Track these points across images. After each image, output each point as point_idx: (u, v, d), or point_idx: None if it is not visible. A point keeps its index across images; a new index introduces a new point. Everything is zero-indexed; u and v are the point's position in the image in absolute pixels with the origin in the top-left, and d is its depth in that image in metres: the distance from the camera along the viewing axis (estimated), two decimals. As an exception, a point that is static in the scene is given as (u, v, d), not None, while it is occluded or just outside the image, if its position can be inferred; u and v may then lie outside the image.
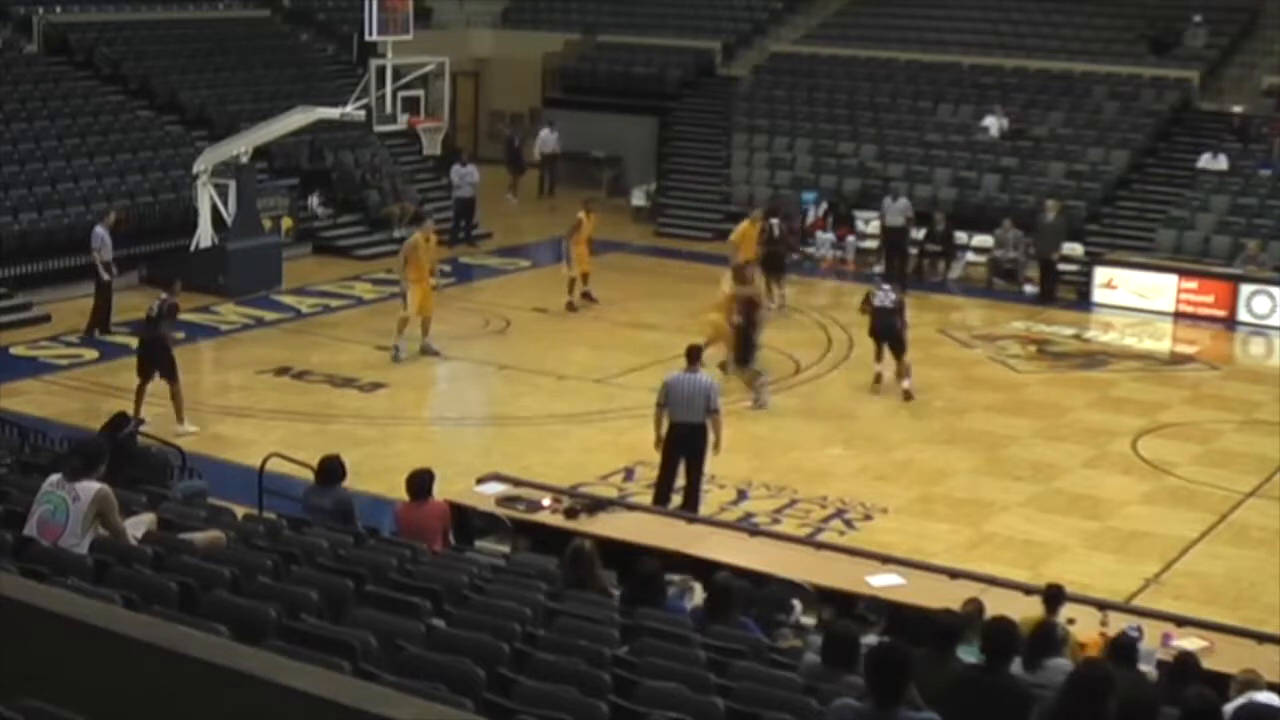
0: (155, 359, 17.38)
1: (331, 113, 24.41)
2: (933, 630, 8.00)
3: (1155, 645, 10.36)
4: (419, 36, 25.45)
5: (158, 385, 17.40)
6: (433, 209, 29.55)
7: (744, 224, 23.80)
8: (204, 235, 24.55)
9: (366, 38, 24.64)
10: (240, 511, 11.65)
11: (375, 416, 18.44)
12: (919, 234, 26.78)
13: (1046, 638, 8.89)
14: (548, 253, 28.34)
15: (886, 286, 20.50)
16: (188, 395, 17.88)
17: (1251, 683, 8.60)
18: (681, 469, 14.95)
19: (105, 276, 21.63)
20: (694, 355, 15.18)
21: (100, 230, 21.83)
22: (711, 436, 14.78)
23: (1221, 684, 8.57)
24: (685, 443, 14.79)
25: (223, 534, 9.53)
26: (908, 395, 19.42)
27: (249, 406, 18.64)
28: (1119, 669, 7.96)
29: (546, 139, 33.44)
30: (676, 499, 14.94)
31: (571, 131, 33.67)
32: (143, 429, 14.51)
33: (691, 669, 7.78)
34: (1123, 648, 9.15)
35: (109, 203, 24.63)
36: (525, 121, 36.95)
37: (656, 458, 16.68)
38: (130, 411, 15.84)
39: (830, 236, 28.18)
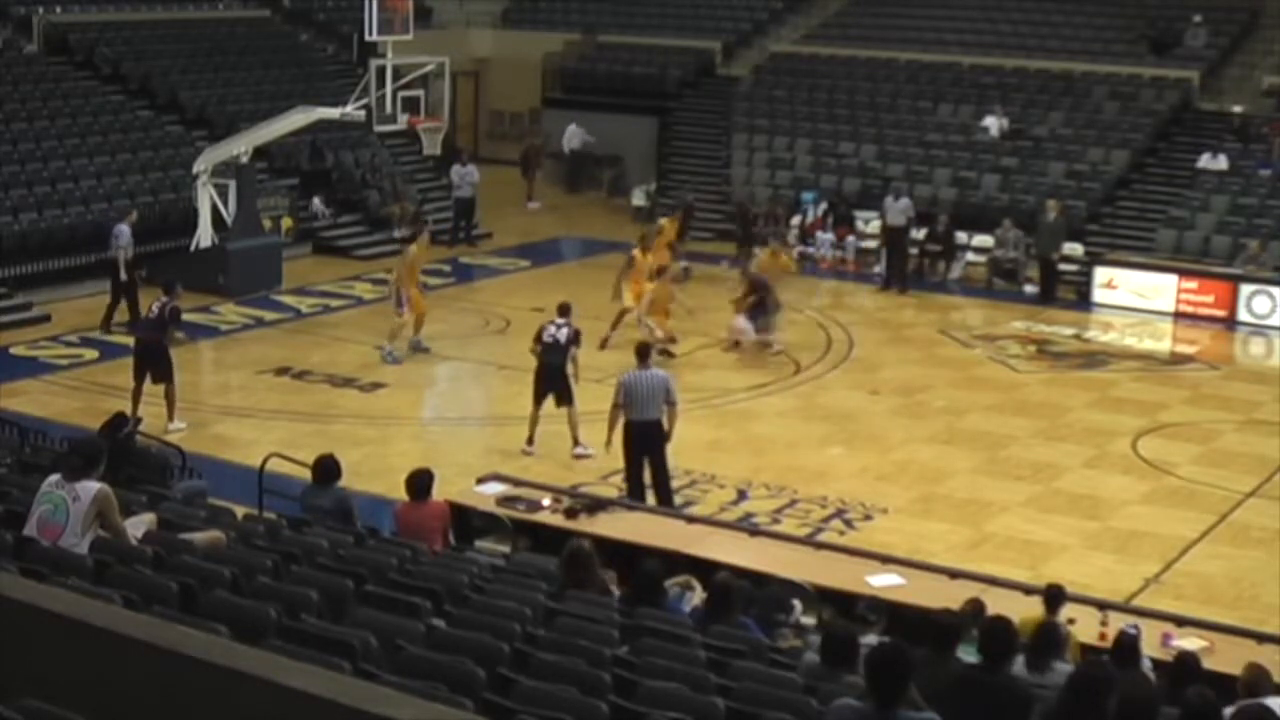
0: (151, 361, 17.34)
1: (331, 113, 24.41)
2: (933, 630, 7.99)
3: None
4: (419, 36, 25.44)
5: (153, 385, 17.39)
6: (432, 209, 29.63)
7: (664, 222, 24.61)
8: (204, 235, 24.56)
9: (366, 38, 24.63)
10: (240, 511, 11.65)
11: (375, 416, 18.43)
12: (919, 234, 26.79)
13: (1051, 639, 8.86)
14: (549, 253, 28.39)
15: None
16: (187, 395, 17.90)
17: (1257, 681, 8.59)
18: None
19: (124, 276, 21.73)
20: (644, 353, 15.29)
21: (124, 227, 21.97)
22: (667, 426, 14.87)
23: (1222, 684, 8.56)
24: (647, 440, 14.85)
25: (223, 534, 9.53)
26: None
27: (249, 406, 18.64)
28: (1120, 668, 7.97)
29: (575, 134, 33.50)
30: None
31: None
32: (141, 428, 14.49)
33: (691, 669, 7.78)
34: (1124, 647, 9.15)
35: (109, 203, 24.67)
36: (525, 121, 37.03)
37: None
38: (129, 412, 15.87)
39: (830, 236, 28.17)
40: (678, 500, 15.34)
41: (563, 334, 16.93)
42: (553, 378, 16.85)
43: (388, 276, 21.87)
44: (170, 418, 17.15)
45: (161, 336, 17.40)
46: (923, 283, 26.23)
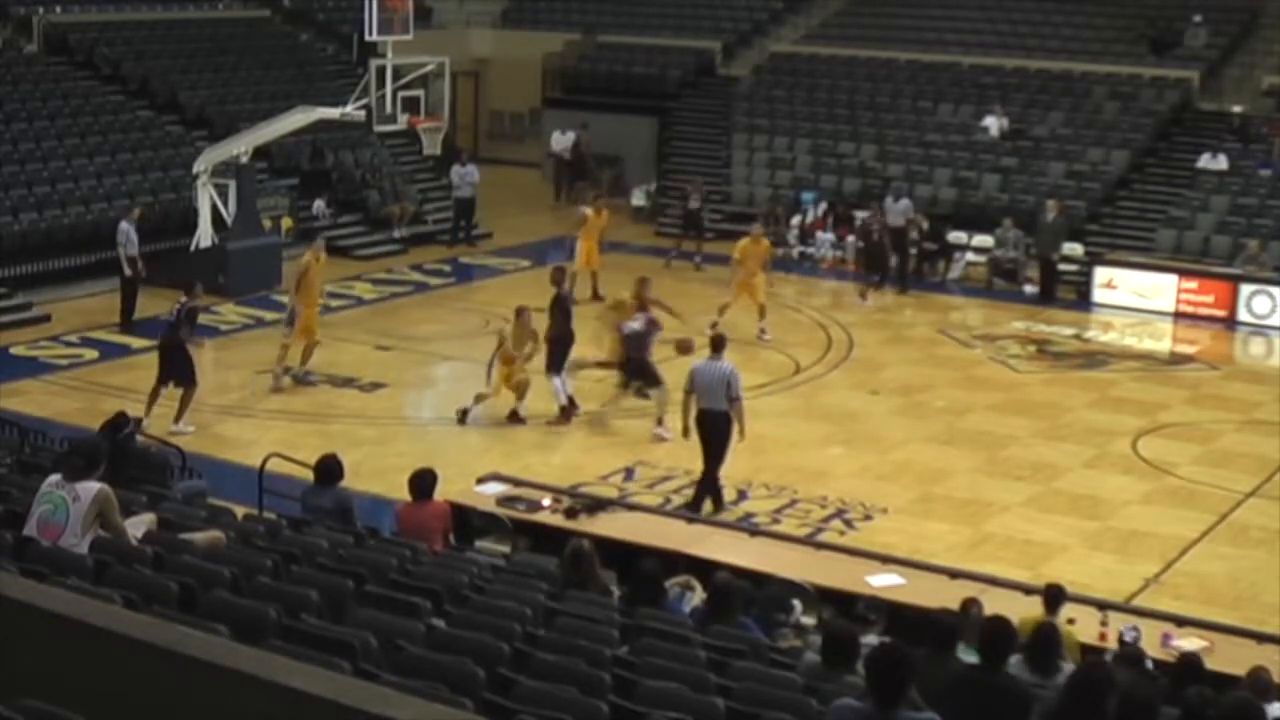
0: (169, 363, 17.26)
1: (331, 113, 24.41)
2: (933, 630, 8.00)
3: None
4: (419, 36, 25.44)
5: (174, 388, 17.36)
6: (433, 209, 29.64)
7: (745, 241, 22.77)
8: (204, 235, 24.57)
9: (366, 38, 24.63)
10: (240, 511, 11.65)
11: (375, 416, 18.44)
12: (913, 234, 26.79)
13: (1052, 640, 8.83)
14: (545, 252, 28.34)
15: None
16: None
17: (1258, 684, 8.58)
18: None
19: (128, 271, 21.92)
20: (717, 344, 15.38)
21: (125, 225, 22.09)
22: (736, 424, 15.04)
23: (1224, 684, 8.56)
24: (713, 430, 15.06)
25: (223, 534, 9.52)
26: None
27: (249, 406, 18.63)
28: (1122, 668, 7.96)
29: (559, 140, 33.36)
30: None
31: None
32: (142, 428, 14.48)
33: (691, 669, 7.78)
34: (1127, 655, 9.15)
35: (109, 203, 24.69)
36: (526, 121, 37.06)
37: (656, 457, 16.77)
38: (141, 412, 15.90)
39: (830, 236, 28.18)
40: (677, 500, 15.37)
41: None
42: None
43: (287, 300, 20.46)
44: (177, 418, 17.08)
45: (177, 337, 17.33)
46: (922, 283, 26.22)
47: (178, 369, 17.28)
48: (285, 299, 20.81)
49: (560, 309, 18.52)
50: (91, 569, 7.86)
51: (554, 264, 21.22)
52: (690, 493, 15.26)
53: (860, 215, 27.98)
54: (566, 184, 32.82)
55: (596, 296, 24.10)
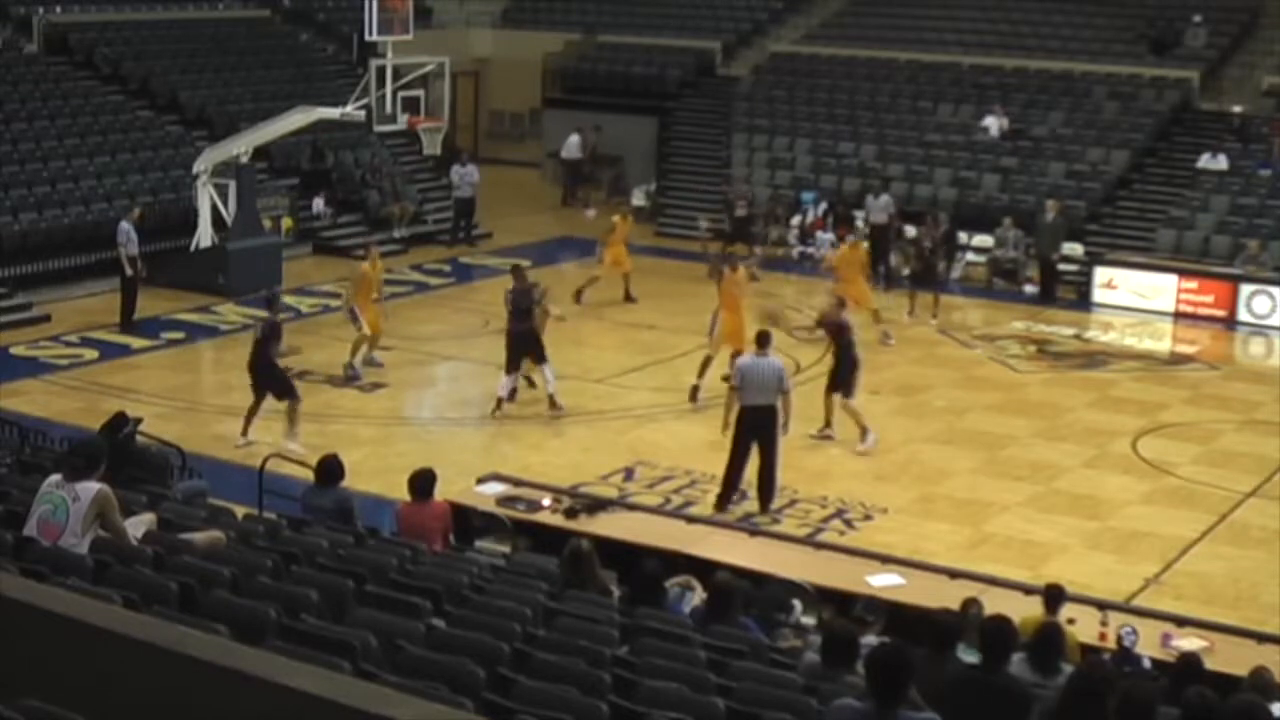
0: (264, 381, 17.04)
1: (331, 113, 24.42)
2: (932, 630, 8.00)
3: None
4: (419, 36, 25.45)
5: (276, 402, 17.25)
6: (433, 209, 29.64)
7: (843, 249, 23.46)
8: (204, 235, 24.58)
9: (366, 38, 24.66)
10: (240, 511, 11.65)
11: (375, 416, 18.44)
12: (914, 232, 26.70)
13: (1056, 640, 8.83)
14: (551, 253, 28.37)
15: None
16: (186, 394, 17.90)
17: (1259, 684, 8.58)
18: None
19: (129, 271, 21.95)
20: (763, 340, 15.53)
21: (126, 225, 22.11)
22: (782, 416, 15.17)
23: (1224, 685, 8.56)
24: (760, 426, 15.12)
25: (223, 534, 9.52)
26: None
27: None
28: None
29: (574, 145, 33.31)
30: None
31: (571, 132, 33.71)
32: (140, 429, 14.47)
33: (691, 669, 7.78)
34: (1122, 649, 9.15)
35: (109, 203, 24.69)
36: (526, 121, 37.04)
37: (656, 457, 16.79)
38: (141, 414, 15.85)
39: (830, 236, 28.15)
40: (677, 500, 15.39)
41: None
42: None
43: (342, 290, 21.27)
44: (288, 434, 16.74)
45: (266, 353, 17.07)
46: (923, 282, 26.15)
47: (273, 385, 17.02)
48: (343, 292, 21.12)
49: (507, 305, 18.56)
50: (91, 569, 7.86)
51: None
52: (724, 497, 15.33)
53: (857, 214, 28.04)
54: (572, 185, 32.81)
55: (629, 298, 24.16)
